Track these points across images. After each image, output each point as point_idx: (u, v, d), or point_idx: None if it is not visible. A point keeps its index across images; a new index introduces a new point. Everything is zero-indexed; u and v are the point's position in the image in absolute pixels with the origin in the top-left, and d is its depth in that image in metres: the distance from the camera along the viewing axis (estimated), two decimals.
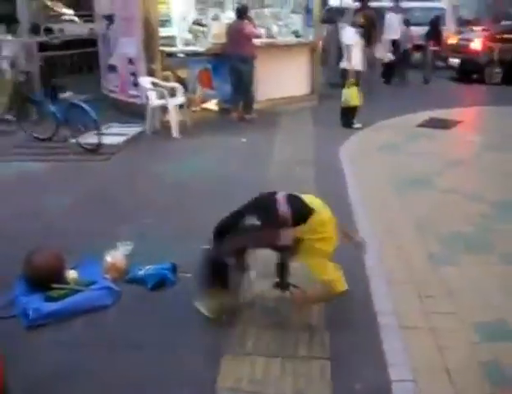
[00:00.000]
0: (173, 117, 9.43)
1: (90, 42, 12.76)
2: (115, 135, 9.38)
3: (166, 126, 9.60)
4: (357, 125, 9.86)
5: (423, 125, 10.11)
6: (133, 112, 10.50)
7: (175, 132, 9.39)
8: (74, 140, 8.71)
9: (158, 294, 4.31)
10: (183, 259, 4.64)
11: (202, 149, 8.74)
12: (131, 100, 10.87)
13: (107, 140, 8.66)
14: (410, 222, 5.64)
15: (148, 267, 4.43)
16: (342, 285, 3.71)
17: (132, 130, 9.75)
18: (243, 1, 11.79)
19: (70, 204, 6.32)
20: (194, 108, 10.71)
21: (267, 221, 3.66)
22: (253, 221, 3.64)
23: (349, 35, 10.28)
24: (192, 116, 10.19)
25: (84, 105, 8.44)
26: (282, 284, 4.07)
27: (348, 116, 9.92)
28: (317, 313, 4.01)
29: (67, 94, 8.83)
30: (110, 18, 11.27)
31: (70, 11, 20.46)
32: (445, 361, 3.42)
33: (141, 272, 4.40)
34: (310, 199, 3.85)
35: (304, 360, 3.49)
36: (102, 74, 12.46)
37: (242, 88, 10.59)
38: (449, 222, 5.62)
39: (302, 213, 3.72)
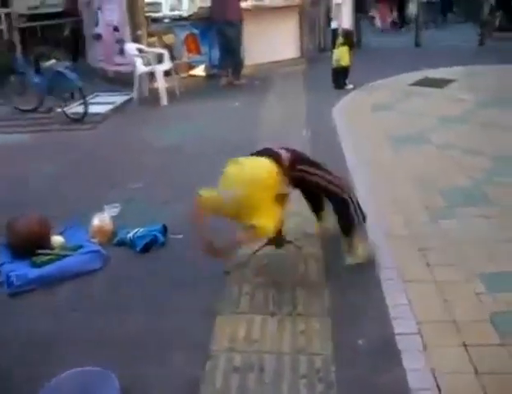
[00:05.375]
0: (161, 84, 9.19)
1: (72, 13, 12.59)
2: (102, 103, 9.20)
3: (154, 93, 9.40)
4: (349, 86, 9.62)
5: (416, 84, 9.87)
6: (120, 80, 10.29)
7: (163, 99, 9.16)
8: (59, 110, 8.50)
9: (148, 256, 4.17)
10: (173, 221, 4.50)
11: (192, 115, 8.53)
12: (118, 68, 10.65)
13: (93, 109, 8.49)
14: (407, 177, 5.48)
15: (136, 229, 4.26)
16: None
17: (119, 98, 9.54)
18: None
19: (57, 173, 6.14)
20: (181, 74, 10.46)
21: None
22: None
23: None
24: (180, 83, 9.95)
25: (68, 73, 8.21)
26: (277, 241, 3.91)
27: (339, 76, 9.67)
28: (316, 270, 3.86)
29: (51, 62, 8.55)
30: None
31: None
32: (451, 313, 3.27)
33: (130, 235, 4.23)
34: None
35: (302, 318, 3.33)
36: (87, 44, 12.16)
37: (230, 52, 10.32)
38: (447, 176, 5.45)
39: None
